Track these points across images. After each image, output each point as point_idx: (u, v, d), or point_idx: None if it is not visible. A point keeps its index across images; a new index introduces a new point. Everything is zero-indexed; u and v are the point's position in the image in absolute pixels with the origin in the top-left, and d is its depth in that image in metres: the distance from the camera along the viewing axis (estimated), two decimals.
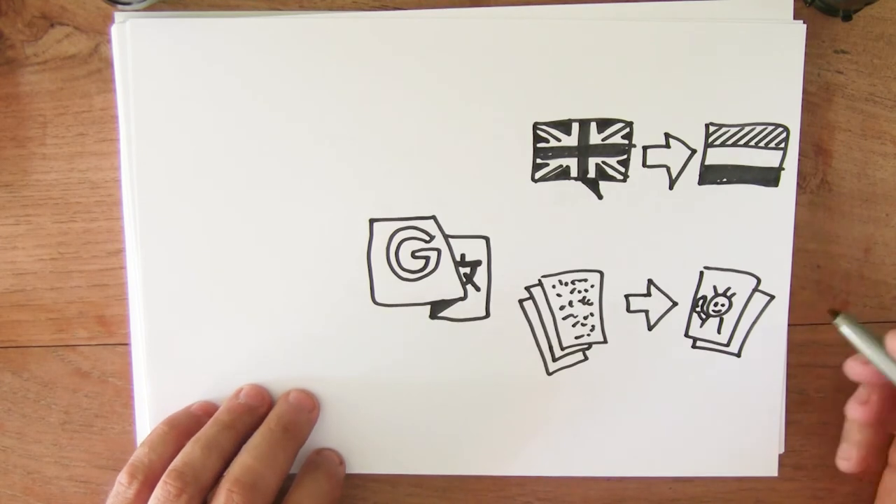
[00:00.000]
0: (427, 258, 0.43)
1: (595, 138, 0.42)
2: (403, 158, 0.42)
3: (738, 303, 0.43)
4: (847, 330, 0.39)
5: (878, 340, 0.39)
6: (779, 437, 0.44)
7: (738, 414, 0.44)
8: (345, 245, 0.43)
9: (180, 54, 0.42)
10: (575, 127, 0.42)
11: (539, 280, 0.43)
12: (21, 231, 0.44)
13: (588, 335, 0.44)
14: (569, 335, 0.44)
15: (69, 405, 0.45)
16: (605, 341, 0.44)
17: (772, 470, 0.44)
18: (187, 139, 0.42)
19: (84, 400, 0.45)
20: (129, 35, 0.42)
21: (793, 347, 0.44)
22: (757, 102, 0.42)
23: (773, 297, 0.43)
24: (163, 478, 0.38)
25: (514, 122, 0.42)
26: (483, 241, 0.43)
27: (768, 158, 0.42)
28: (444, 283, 0.43)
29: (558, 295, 0.43)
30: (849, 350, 0.40)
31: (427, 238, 0.43)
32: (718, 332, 0.44)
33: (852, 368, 0.40)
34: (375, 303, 0.43)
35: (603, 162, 0.43)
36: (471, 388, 0.44)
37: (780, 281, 0.43)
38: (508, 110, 0.42)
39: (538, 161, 0.42)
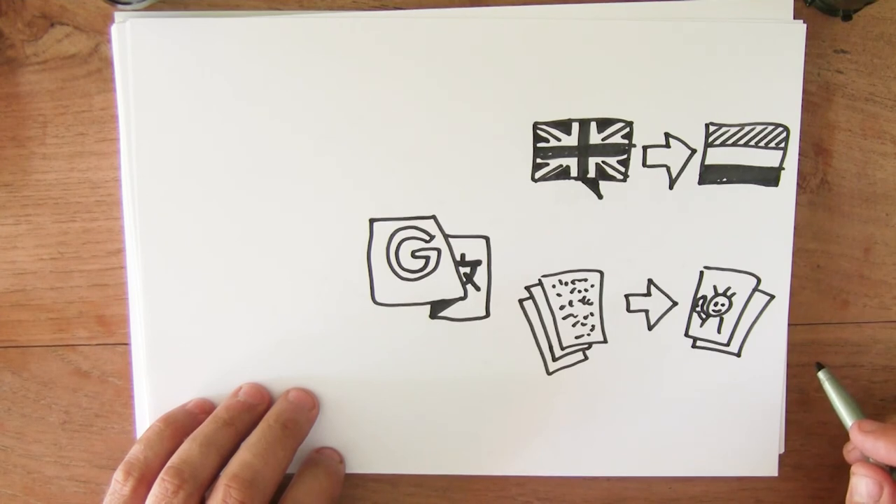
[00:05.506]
0: (427, 258, 0.43)
1: (595, 138, 0.42)
2: (403, 158, 0.42)
3: (738, 303, 0.43)
4: (827, 386, 0.42)
5: (852, 400, 0.41)
6: (779, 437, 0.44)
7: (738, 414, 0.44)
8: (345, 245, 0.43)
9: (180, 54, 0.42)
10: (575, 127, 0.42)
11: (539, 280, 0.43)
12: (21, 231, 0.44)
13: (588, 335, 0.44)
14: (569, 335, 0.44)
15: (69, 405, 0.45)
16: (605, 341, 0.44)
17: (772, 470, 0.44)
18: (187, 139, 0.42)
19: (84, 400, 0.45)
20: (129, 35, 0.42)
21: (793, 347, 0.44)
22: (757, 102, 0.42)
23: (773, 297, 0.43)
24: (160, 475, 0.38)
25: (514, 122, 0.42)
26: (483, 241, 0.43)
27: (768, 158, 0.42)
28: (444, 282, 0.43)
29: (558, 295, 0.43)
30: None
31: (427, 238, 0.43)
32: (718, 331, 0.44)
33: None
34: (375, 303, 0.43)
35: (603, 162, 0.43)
36: (471, 387, 0.44)
37: (780, 281, 0.43)
38: (508, 110, 0.42)
39: (538, 161, 0.42)
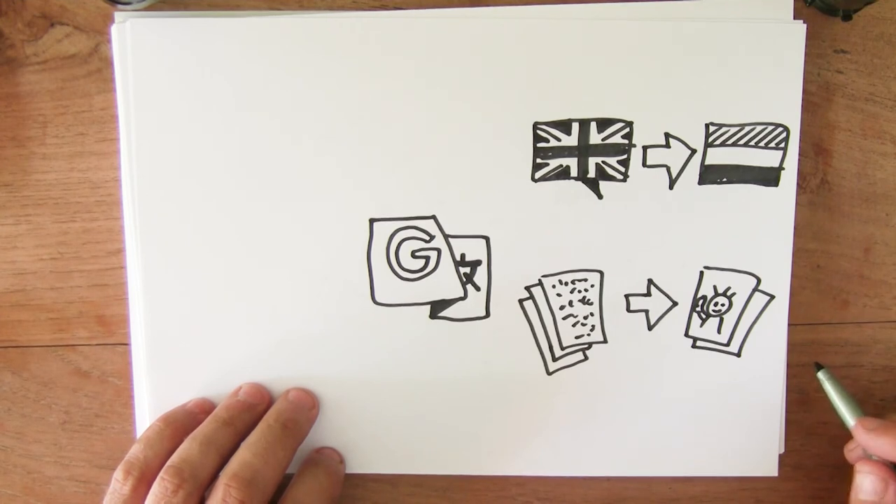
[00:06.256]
0: (427, 258, 0.43)
1: (595, 138, 0.42)
2: (403, 158, 0.42)
3: (738, 303, 0.43)
4: (827, 386, 0.41)
5: (852, 400, 0.41)
6: (779, 437, 0.44)
7: (738, 414, 0.44)
8: (345, 245, 0.43)
9: (180, 54, 0.42)
10: (575, 127, 0.42)
11: (539, 280, 0.43)
12: (21, 231, 0.44)
13: (588, 335, 0.44)
14: (569, 335, 0.44)
15: (69, 405, 0.45)
16: (605, 341, 0.44)
17: (772, 470, 0.44)
18: (187, 139, 0.42)
19: (84, 400, 0.45)
20: (129, 35, 0.42)
21: (793, 347, 0.44)
22: (757, 102, 0.42)
23: (773, 297, 0.43)
24: (160, 474, 0.38)
25: (514, 122, 0.42)
26: (483, 241, 0.43)
27: (768, 158, 0.42)
28: (444, 282, 0.43)
29: (558, 295, 0.43)
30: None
31: (427, 238, 0.43)
32: (718, 331, 0.44)
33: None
34: (375, 303, 0.43)
35: (603, 162, 0.43)
36: (471, 387, 0.44)
37: (780, 281, 0.43)
38: (508, 110, 0.42)
39: (538, 161, 0.42)
